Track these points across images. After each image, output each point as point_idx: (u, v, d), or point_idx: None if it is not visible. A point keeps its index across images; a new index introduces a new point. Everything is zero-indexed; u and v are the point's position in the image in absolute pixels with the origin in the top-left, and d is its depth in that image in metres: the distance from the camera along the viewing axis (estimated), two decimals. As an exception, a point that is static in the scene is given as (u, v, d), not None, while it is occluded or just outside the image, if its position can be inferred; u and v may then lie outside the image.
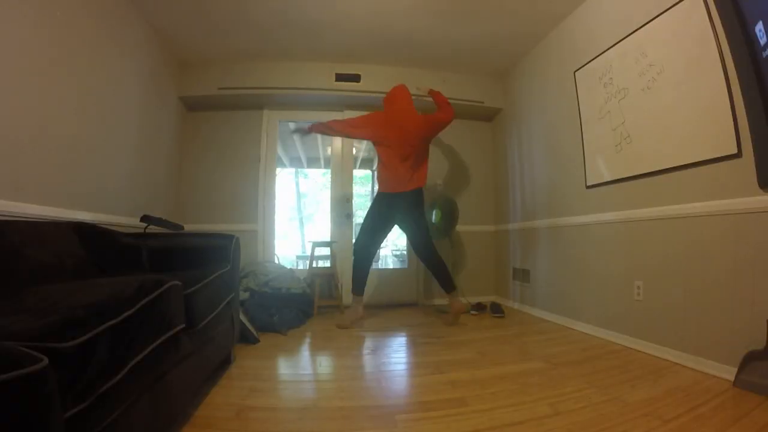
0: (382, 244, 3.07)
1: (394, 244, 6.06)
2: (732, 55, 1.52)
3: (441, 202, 3.36)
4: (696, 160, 1.73)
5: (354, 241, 2.81)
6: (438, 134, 2.87)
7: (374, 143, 2.78)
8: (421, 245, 2.73)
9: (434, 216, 3.32)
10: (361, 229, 2.79)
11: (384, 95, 3.41)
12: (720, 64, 1.61)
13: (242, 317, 2.15)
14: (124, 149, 2.40)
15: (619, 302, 2.16)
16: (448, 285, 2.71)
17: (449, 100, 3.51)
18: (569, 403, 1.35)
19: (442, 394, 1.47)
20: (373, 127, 2.74)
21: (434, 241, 3.51)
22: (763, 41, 1.34)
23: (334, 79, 3.40)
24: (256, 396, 1.46)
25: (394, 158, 2.66)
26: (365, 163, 6.23)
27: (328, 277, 3.36)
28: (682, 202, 1.80)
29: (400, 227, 2.83)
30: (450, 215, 3.33)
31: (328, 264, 3.58)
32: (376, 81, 3.43)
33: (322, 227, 7.39)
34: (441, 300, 3.45)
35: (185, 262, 1.73)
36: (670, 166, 1.86)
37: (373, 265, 3.95)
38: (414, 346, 2.20)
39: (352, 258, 2.75)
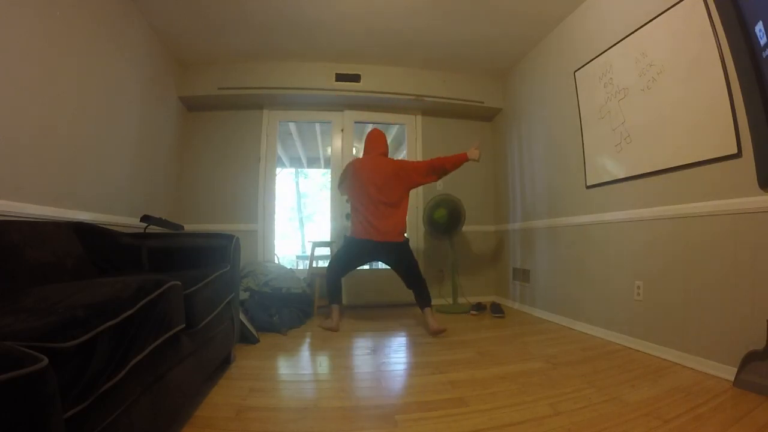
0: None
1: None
2: (732, 55, 1.52)
3: (446, 202, 3.35)
4: (696, 160, 1.73)
5: (329, 264, 2.68)
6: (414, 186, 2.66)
7: (352, 195, 2.63)
8: (410, 279, 2.57)
9: (438, 216, 3.31)
10: (336, 259, 2.67)
11: (383, 95, 3.44)
12: (720, 64, 1.61)
13: (242, 317, 2.15)
14: (124, 149, 2.40)
15: (619, 302, 2.16)
16: (425, 300, 2.53)
17: (448, 101, 3.54)
18: (569, 403, 1.35)
19: (442, 394, 1.47)
20: (348, 180, 2.60)
21: (435, 241, 3.54)
22: (763, 41, 1.34)
23: (334, 79, 3.40)
24: (256, 396, 1.46)
25: (368, 207, 2.51)
26: (365, 163, 6.22)
27: (328, 277, 3.35)
28: (682, 202, 1.80)
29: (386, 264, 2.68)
30: (457, 217, 3.31)
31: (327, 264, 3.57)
32: (376, 81, 3.44)
33: (322, 227, 7.40)
34: (441, 300, 3.45)
35: (185, 262, 1.74)
36: (670, 166, 1.86)
37: (373, 265, 3.96)
38: (414, 346, 2.20)
39: (328, 275, 2.64)
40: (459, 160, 2.60)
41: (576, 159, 2.56)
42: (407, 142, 3.81)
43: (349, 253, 2.63)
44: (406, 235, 2.61)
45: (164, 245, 1.86)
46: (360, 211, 2.55)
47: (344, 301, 3.26)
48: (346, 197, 2.81)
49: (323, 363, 1.95)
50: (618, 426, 1.18)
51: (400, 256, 2.55)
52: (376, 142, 2.70)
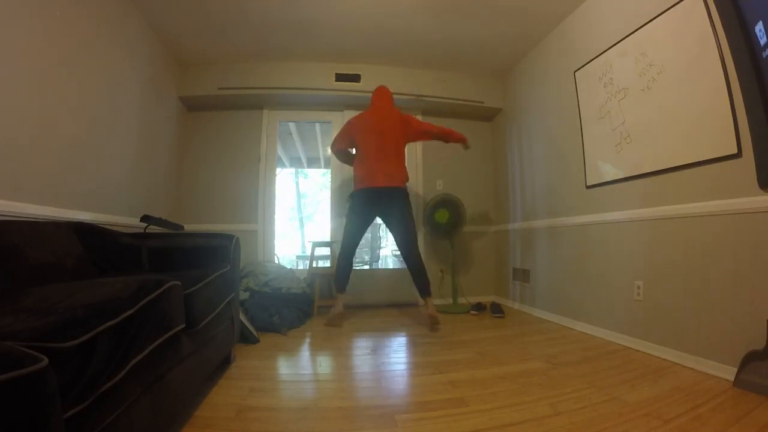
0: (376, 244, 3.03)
1: (395, 244, 6.06)
2: (732, 55, 1.52)
3: (446, 202, 3.34)
4: (696, 160, 1.73)
5: (341, 246, 2.71)
6: (416, 139, 2.84)
7: (355, 146, 2.75)
8: (406, 244, 2.61)
9: (439, 216, 3.31)
10: (345, 232, 2.70)
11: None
12: (720, 64, 1.61)
13: (242, 317, 2.15)
14: (124, 149, 2.40)
15: (619, 302, 2.16)
16: (425, 289, 2.59)
17: (449, 101, 3.55)
18: (569, 403, 1.35)
19: (442, 394, 1.47)
20: (348, 133, 2.73)
21: (435, 241, 3.53)
22: (763, 41, 1.34)
23: (334, 79, 3.40)
24: (256, 396, 1.46)
25: (371, 153, 2.61)
26: (365, 163, 6.21)
27: (328, 277, 3.35)
28: (682, 202, 1.80)
29: (385, 223, 2.76)
30: (457, 218, 3.31)
31: (328, 264, 3.58)
32: (376, 81, 3.42)
33: (322, 227, 7.40)
34: (441, 300, 3.45)
35: (185, 262, 1.74)
36: (670, 166, 1.86)
37: (373, 265, 3.95)
38: (414, 346, 2.20)
39: (338, 260, 2.70)
40: (459, 137, 2.79)
41: (576, 159, 2.56)
42: (407, 142, 3.80)
43: (355, 213, 2.65)
44: (408, 183, 2.67)
45: (164, 245, 1.86)
46: (364, 158, 2.61)
47: (344, 300, 3.27)
48: (338, 148, 2.83)
49: (323, 363, 1.95)
50: (618, 426, 1.18)
51: (398, 204, 2.59)
52: (382, 96, 2.79)
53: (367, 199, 2.60)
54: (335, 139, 2.85)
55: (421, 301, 2.57)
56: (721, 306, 1.61)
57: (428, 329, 2.51)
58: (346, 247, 2.68)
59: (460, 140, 2.80)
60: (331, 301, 3.25)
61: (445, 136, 2.79)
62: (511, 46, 3.15)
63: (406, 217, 2.61)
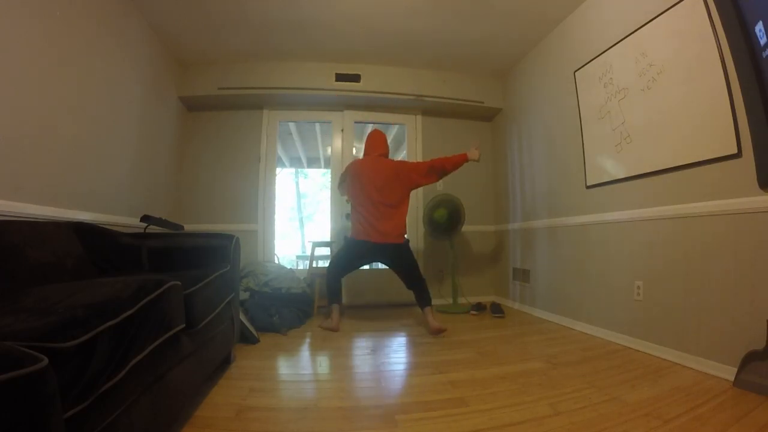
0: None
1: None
2: (732, 55, 1.52)
3: (447, 202, 3.33)
4: (696, 160, 1.73)
5: (329, 264, 2.71)
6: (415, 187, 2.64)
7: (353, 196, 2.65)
8: (411, 281, 2.56)
9: (438, 215, 3.30)
10: (336, 259, 2.70)
11: (383, 95, 3.45)
12: (720, 64, 1.61)
13: (242, 317, 2.15)
14: (124, 149, 2.40)
15: (619, 302, 2.16)
16: (428, 301, 2.52)
17: (449, 101, 3.54)
18: (569, 403, 1.35)
19: (442, 394, 1.47)
20: (349, 181, 2.64)
21: (435, 241, 3.53)
22: (763, 41, 1.34)
23: (334, 79, 3.40)
24: (256, 396, 1.46)
25: (365, 208, 2.52)
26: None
27: (328, 277, 3.35)
28: (682, 202, 1.80)
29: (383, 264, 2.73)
30: (457, 217, 3.31)
31: (328, 264, 3.58)
32: (376, 81, 3.44)
33: (322, 227, 7.40)
34: (441, 300, 3.45)
35: (185, 262, 1.74)
36: (670, 166, 1.86)
37: (373, 265, 3.95)
38: (414, 346, 2.20)
39: (327, 277, 2.65)
40: (459, 161, 2.60)
41: (576, 159, 2.56)
42: (407, 142, 3.81)
43: (348, 255, 2.63)
44: (406, 236, 2.61)
45: (164, 245, 1.86)
46: (360, 212, 2.55)
47: (344, 301, 3.27)
48: (346, 197, 2.83)
49: (323, 363, 1.95)
50: (618, 426, 1.18)
51: (400, 257, 2.55)
52: (376, 142, 2.71)
53: (363, 249, 2.54)
54: (340, 183, 2.82)
55: (422, 311, 2.53)
56: (721, 306, 1.61)
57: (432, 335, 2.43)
58: (335, 270, 2.63)
59: (462, 161, 2.60)
60: (325, 301, 3.26)
61: (451, 167, 2.59)
62: (511, 47, 3.15)
63: (405, 265, 2.55)
